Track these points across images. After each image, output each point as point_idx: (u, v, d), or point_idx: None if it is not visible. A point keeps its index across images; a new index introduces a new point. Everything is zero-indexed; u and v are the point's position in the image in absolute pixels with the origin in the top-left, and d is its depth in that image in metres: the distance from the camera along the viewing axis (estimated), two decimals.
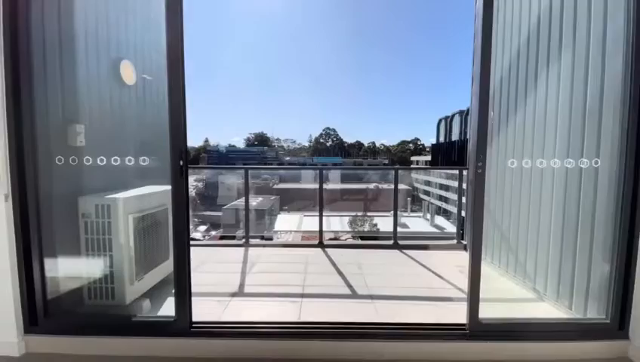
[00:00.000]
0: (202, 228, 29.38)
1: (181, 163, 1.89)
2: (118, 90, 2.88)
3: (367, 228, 22.36)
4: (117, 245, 2.26)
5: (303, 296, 2.64)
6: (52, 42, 2.16)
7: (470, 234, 1.98)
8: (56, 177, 2.16)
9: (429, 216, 24.72)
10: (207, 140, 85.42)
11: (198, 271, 3.20)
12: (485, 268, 3.50)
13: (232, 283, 2.90)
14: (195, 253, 3.98)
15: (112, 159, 2.62)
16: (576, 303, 2.40)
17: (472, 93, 4.12)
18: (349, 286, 2.86)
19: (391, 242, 4.10)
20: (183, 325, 1.97)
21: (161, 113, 3.46)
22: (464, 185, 4.21)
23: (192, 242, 4.19)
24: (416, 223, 23.30)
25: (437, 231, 22.31)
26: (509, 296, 2.85)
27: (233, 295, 2.64)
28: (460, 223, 4.16)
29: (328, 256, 3.72)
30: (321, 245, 4.06)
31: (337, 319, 2.23)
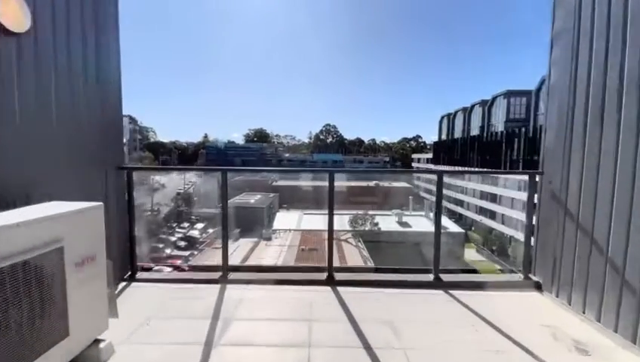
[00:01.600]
0: (200, 225, 28.23)
1: None
2: None
3: (368, 226, 21.19)
4: None
5: None
6: None
7: None
8: None
9: (431, 215, 23.65)
10: (206, 136, 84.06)
11: (132, 342, 1.96)
12: (594, 335, 2.24)
13: None
14: (143, 296, 2.46)
15: None
16: None
17: (550, 61, 2.87)
18: None
19: (430, 277, 2.86)
20: None
21: (77, 84, 2.19)
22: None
23: (143, 276, 2.95)
24: (418, 222, 22.21)
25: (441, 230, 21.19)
26: None
27: None
28: (529, 250, 2.92)
29: (343, 304, 2.49)
30: (330, 281, 2.82)
31: None
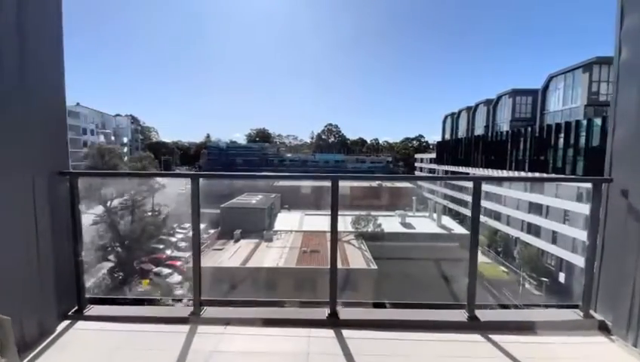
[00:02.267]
0: (200, 226, 27.62)
1: None
2: None
3: (370, 228, 20.56)
4: None
5: None
6: None
7: None
8: None
9: (435, 216, 23.01)
10: (208, 136, 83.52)
11: None
12: None
13: None
14: (84, 345, 1.42)
15: None
16: None
17: (620, 34, 2.15)
18: None
19: (464, 316, 2.21)
20: None
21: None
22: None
23: (93, 311, 1.94)
24: (422, 223, 21.52)
25: (444, 232, 20.53)
26: None
27: None
28: (590, 280, 2.25)
29: (350, 358, 1.84)
30: (333, 320, 2.17)
31: None
